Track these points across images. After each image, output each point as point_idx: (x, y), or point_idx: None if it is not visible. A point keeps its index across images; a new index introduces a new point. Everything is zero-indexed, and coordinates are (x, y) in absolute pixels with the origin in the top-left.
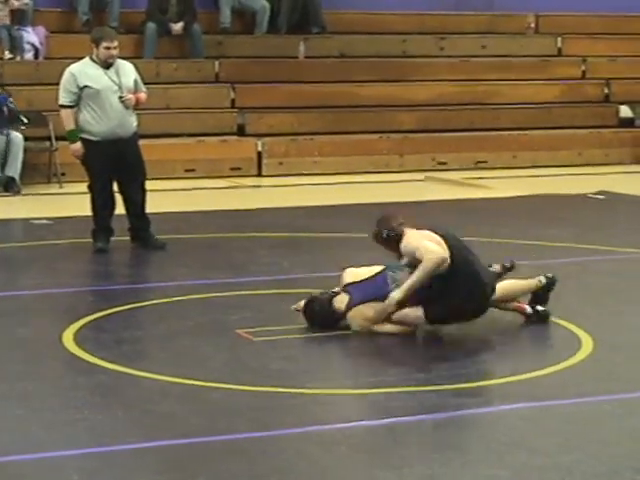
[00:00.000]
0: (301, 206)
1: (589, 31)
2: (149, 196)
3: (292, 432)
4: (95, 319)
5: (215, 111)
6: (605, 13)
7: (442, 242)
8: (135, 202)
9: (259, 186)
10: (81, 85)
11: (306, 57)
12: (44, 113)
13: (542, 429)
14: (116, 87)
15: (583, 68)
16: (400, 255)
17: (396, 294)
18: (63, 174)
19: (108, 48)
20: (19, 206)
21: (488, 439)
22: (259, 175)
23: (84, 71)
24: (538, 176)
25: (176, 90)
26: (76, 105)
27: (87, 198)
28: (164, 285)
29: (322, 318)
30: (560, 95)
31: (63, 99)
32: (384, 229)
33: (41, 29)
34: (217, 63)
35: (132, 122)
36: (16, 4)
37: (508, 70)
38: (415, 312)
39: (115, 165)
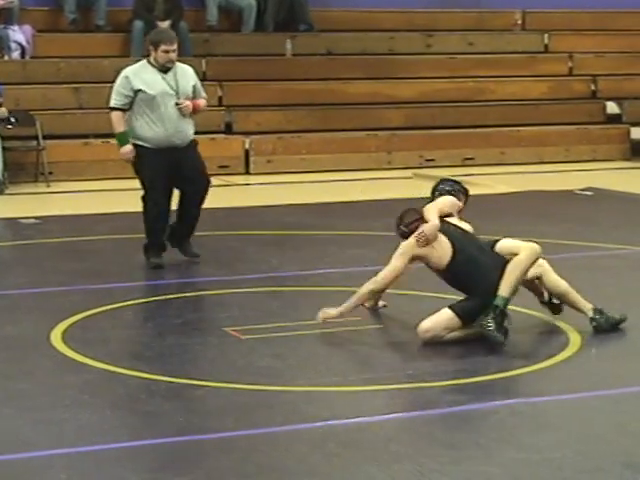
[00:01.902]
0: (289, 204)
1: (576, 27)
2: (139, 194)
3: (281, 429)
4: (83, 318)
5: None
6: (591, 9)
7: (449, 248)
8: (190, 216)
9: (247, 184)
10: (135, 89)
11: (293, 55)
12: (31, 112)
13: (532, 425)
14: (172, 92)
15: (570, 64)
16: None
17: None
18: (50, 173)
19: (167, 52)
20: (6, 205)
21: (478, 435)
22: (247, 173)
23: (139, 74)
24: (526, 173)
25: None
26: (129, 109)
27: (74, 197)
28: (152, 283)
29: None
30: (547, 92)
31: (114, 101)
32: (402, 225)
33: (28, 28)
34: (204, 61)
35: (189, 130)
36: (2, 3)
37: (495, 67)
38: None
39: (171, 175)
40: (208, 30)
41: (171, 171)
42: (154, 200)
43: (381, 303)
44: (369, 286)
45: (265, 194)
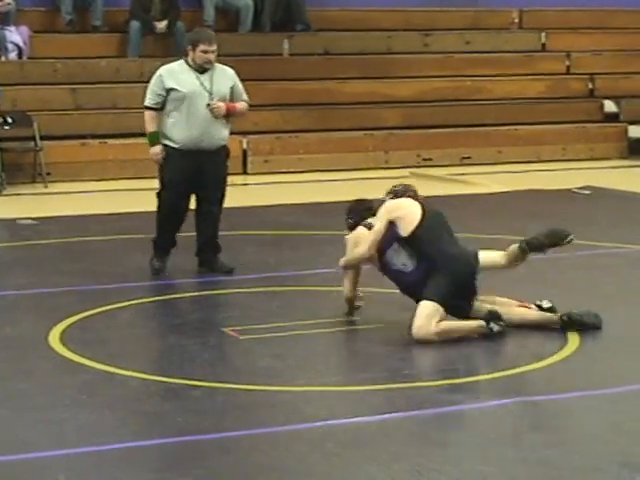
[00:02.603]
0: (287, 204)
1: (573, 26)
2: (137, 195)
3: (280, 429)
4: (81, 318)
5: None
6: (588, 8)
7: (417, 212)
8: (206, 223)
9: (245, 184)
10: (167, 87)
11: (290, 55)
12: (28, 113)
13: (529, 424)
14: (206, 93)
15: (567, 63)
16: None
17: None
18: (48, 174)
19: (206, 52)
20: (4, 206)
21: (475, 434)
22: (244, 173)
23: (174, 73)
24: (523, 171)
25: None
26: (162, 108)
27: (72, 197)
28: (150, 284)
29: (354, 215)
30: (545, 90)
31: (147, 100)
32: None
33: (24, 29)
34: None
35: (221, 134)
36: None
37: (492, 66)
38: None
39: (192, 179)
40: None
41: (193, 175)
42: (167, 200)
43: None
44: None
45: (263, 194)
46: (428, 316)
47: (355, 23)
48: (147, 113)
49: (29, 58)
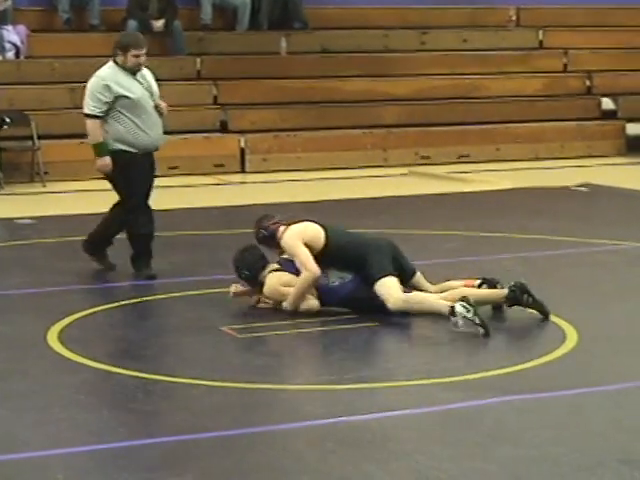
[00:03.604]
0: (285, 202)
1: (570, 23)
2: None
3: (278, 428)
4: (80, 318)
5: (197, 108)
6: (586, 5)
7: (320, 230)
8: (151, 219)
9: (243, 182)
10: (117, 94)
11: (288, 53)
12: (26, 112)
13: (528, 422)
14: (147, 94)
15: (565, 61)
16: (281, 251)
17: (287, 305)
18: (46, 173)
19: (137, 56)
20: (2, 205)
21: (475, 432)
22: (242, 172)
23: (116, 79)
24: (521, 169)
25: (158, 87)
26: (105, 116)
27: (70, 197)
28: (148, 283)
29: (249, 267)
30: (542, 88)
31: (94, 109)
32: (260, 229)
33: (22, 28)
34: (199, 60)
35: (162, 131)
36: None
37: (490, 64)
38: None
39: (149, 179)
40: (202, 29)
41: (149, 174)
42: (141, 206)
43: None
44: (306, 281)
45: (261, 192)
46: (390, 288)
47: (352, 21)
48: (92, 122)
49: (27, 57)
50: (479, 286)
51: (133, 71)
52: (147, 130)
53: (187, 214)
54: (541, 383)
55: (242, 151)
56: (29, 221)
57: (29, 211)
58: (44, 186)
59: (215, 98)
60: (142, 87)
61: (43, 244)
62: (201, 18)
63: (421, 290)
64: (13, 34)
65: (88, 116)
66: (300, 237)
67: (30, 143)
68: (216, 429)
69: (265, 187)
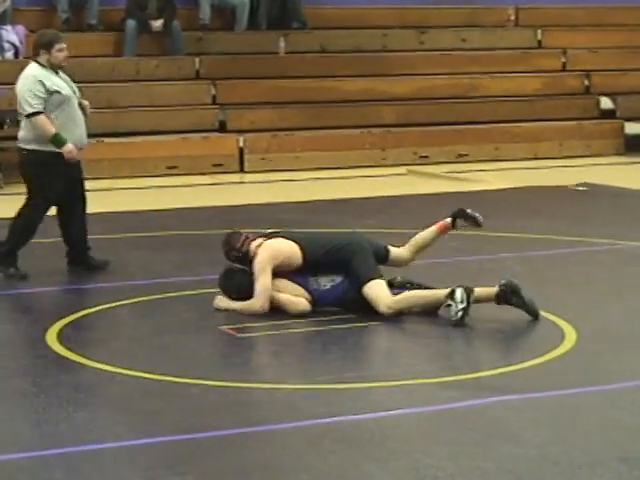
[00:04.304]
0: (284, 202)
1: (569, 23)
2: (134, 194)
3: (277, 427)
4: (79, 317)
5: (196, 108)
6: (584, 5)
7: (295, 248)
8: (83, 225)
9: (242, 182)
10: (51, 89)
11: (286, 53)
12: None
13: (527, 421)
14: (72, 92)
15: (563, 60)
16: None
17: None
18: None
19: (62, 50)
20: (2, 206)
21: (474, 431)
22: (241, 171)
23: (47, 76)
24: (520, 168)
25: (157, 87)
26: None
27: None
28: (148, 282)
29: (238, 289)
30: (541, 87)
31: (34, 106)
32: (232, 249)
33: (21, 28)
34: (197, 60)
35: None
36: None
37: (489, 63)
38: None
39: (69, 181)
40: (201, 28)
41: (71, 176)
42: (46, 206)
43: None
44: (250, 308)
45: (260, 192)
46: (378, 292)
47: (351, 21)
48: (39, 118)
49: (25, 57)
50: (452, 223)
51: (56, 70)
52: (75, 128)
53: (185, 214)
54: (540, 382)
55: (241, 151)
56: None
57: None
58: None
59: (214, 98)
60: (67, 85)
61: (42, 244)
62: (200, 18)
63: (399, 265)
64: (12, 34)
65: (33, 115)
66: (272, 261)
67: None
68: (216, 428)
69: (264, 187)
